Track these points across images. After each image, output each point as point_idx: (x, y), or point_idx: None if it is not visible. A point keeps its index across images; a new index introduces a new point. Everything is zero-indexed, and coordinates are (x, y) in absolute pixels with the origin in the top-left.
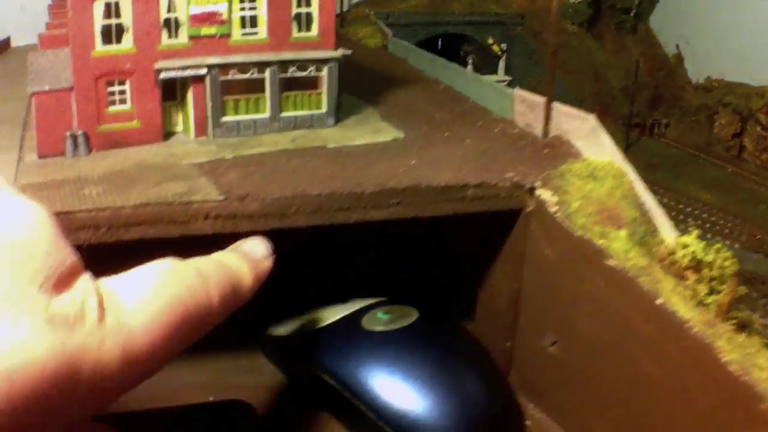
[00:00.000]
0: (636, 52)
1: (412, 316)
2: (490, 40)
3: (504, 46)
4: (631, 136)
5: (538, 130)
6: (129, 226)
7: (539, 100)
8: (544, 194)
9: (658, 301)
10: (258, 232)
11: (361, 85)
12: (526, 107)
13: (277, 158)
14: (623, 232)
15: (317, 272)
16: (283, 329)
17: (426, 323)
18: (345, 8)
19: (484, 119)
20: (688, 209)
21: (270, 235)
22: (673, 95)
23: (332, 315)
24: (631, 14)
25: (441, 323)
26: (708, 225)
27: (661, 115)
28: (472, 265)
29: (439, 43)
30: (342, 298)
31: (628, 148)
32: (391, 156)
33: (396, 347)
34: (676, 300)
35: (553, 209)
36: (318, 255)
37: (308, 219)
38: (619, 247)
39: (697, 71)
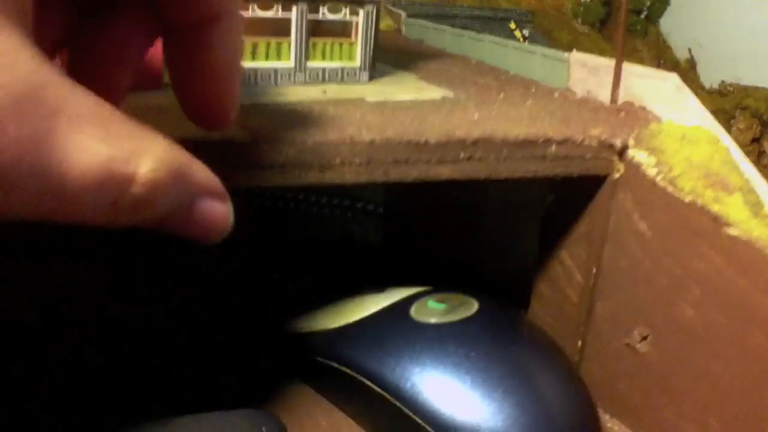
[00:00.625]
0: (647, 55)
1: (472, 306)
2: (513, 25)
3: (526, 32)
4: None
5: (603, 96)
6: None
7: (604, 62)
8: (639, 156)
9: None
10: (291, 188)
11: (384, 58)
12: (586, 72)
13: (308, 107)
14: (738, 198)
15: (337, 258)
16: (307, 324)
17: (490, 314)
18: None
19: (536, 87)
20: None
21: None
22: None
23: (370, 305)
24: (642, 16)
25: (507, 313)
26: None
27: None
28: (525, 250)
29: None
30: (377, 288)
31: None
32: (448, 111)
33: (458, 343)
34: None
35: (653, 172)
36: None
37: (356, 173)
38: (738, 213)
39: (710, 76)
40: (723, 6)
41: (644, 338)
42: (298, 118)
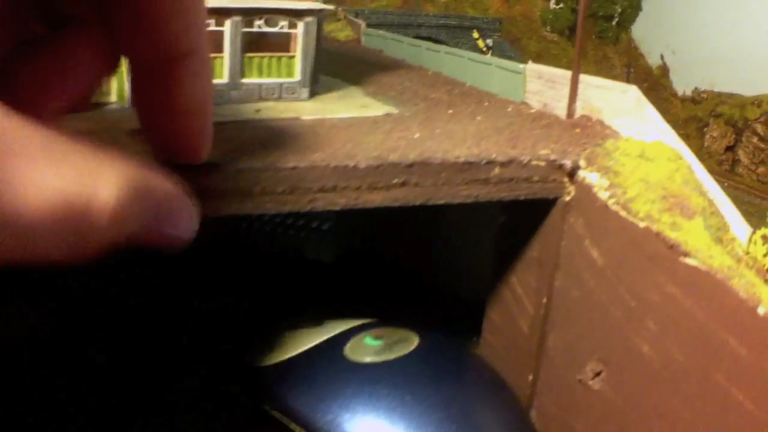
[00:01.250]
0: (618, 63)
1: (412, 341)
2: (475, 34)
3: (490, 42)
4: None
5: (559, 110)
6: None
7: (561, 73)
8: (590, 177)
9: (761, 311)
10: (206, 220)
11: (337, 70)
12: (542, 84)
13: (237, 128)
14: (699, 222)
15: (288, 283)
16: (250, 356)
17: (430, 351)
18: None
19: (490, 100)
20: None
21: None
22: (658, 108)
23: (306, 340)
24: (613, 22)
25: (449, 349)
26: None
27: None
28: (480, 273)
29: None
30: (318, 317)
31: None
32: (387, 130)
33: (391, 385)
34: None
35: (605, 195)
36: (288, 258)
37: (279, 202)
38: (698, 240)
39: (683, 82)
40: (696, 11)
41: (597, 374)
42: (221, 141)
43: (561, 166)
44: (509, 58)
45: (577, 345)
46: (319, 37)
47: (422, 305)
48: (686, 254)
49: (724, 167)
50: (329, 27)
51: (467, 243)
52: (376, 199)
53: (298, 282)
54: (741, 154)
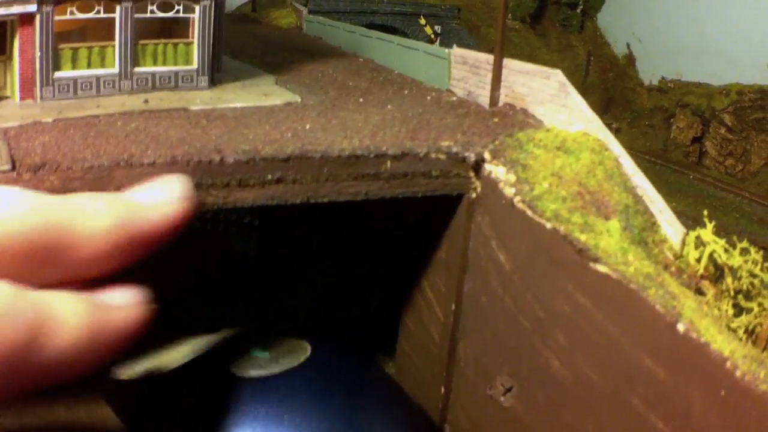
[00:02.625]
0: (583, 52)
1: (303, 351)
2: (422, 20)
3: (438, 28)
4: None
5: (483, 98)
6: None
7: (484, 57)
8: (496, 171)
9: (680, 328)
10: None
11: (262, 56)
12: (466, 70)
13: (112, 121)
14: (615, 224)
15: (176, 282)
16: (127, 370)
17: (323, 362)
18: None
19: (412, 88)
20: None
21: None
22: (623, 98)
23: (186, 351)
24: (578, 10)
25: (345, 361)
26: None
27: (612, 119)
28: (391, 275)
29: None
30: (206, 323)
31: None
32: (278, 120)
33: (279, 400)
34: (706, 325)
35: (511, 192)
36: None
37: None
38: (611, 244)
39: (650, 71)
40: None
41: (508, 390)
42: (90, 136)
43: (464, 159)
44: (467, 46)
45: (487, 356)
46: (220, 21)
47: (342, 300)
48: (596, 260)
49: (690, 159)
50: (274, 14)
51: (388, 239)
52: (248, 197)
53: (221, 277)
54: (708, 146)
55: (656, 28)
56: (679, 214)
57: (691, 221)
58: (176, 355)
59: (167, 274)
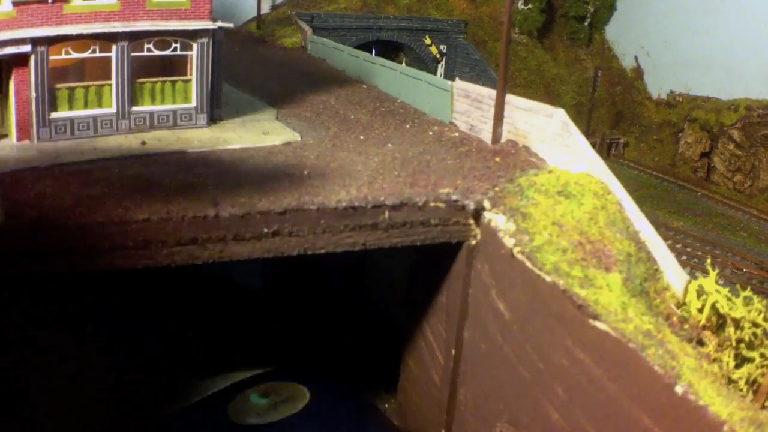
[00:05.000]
0: (591, 65)
1: (302, 398)
2: (428, 40)
3: (444, 48)
4: None
5: (485, 132)
6: None
7: (487, 92)
8: (496, 220)
9: (679, 389)
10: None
11: (265, 84)
12: (469, 104)
13: (109, 167)
14: (616, 277)
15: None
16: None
17: (321, 409)
18: (265, 10)
19: (414, 121)
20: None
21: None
22: (631, 111)
23: (186, 395)
24: (586, 23)
25: (344, 408)
26: (684, 257)
27: (620, 133)
28: (399, 323)
29: (374, 52)
30: (206, 367)
31: None
32: (276, 164)
33: None
34: (705, 386)
35: (510, 242)
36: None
37: (132, 258)
38: (611, 300)
39: (658, 85)
40: (672, 13)
41: None
42: (78, 186)
43: (463, 207)
44: (474, 61)
45: (487, 403)
46: (219, 57)
47: (346, 337)
48: (596, 316)
49: (699, 174)
50: (279, 32)
51: (388, 280)
52: (243, 251)
53: (224, 309)
54: (716, 161)
55: (664, 41)
56: (687, 235)
57: (698, 242)
58: (177, 399)
59: (168, 316)
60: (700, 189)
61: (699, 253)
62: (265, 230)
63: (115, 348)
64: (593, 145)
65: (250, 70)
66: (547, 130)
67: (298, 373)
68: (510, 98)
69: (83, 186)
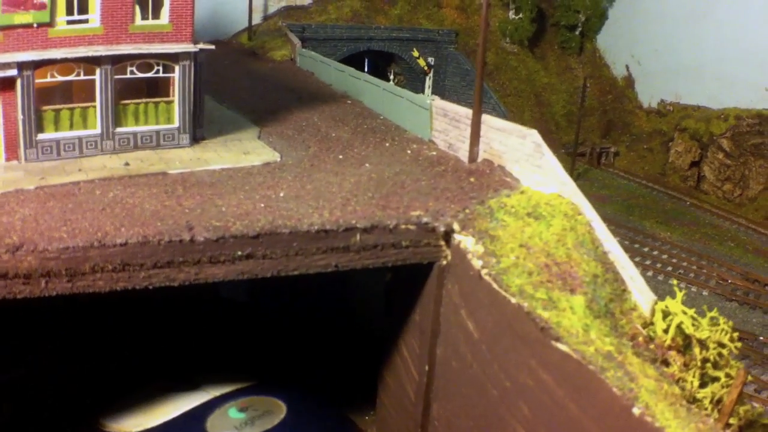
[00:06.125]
0: (582, 74)
1: (278, 412)
2: (415, 53)
3: (432, 60)
4: (576, 166)
5: (462, 151)
6: None
7: (464, 111)
8: (465, 242)
9: (636, 411)
10: (44, 299)
11: (250, 99)
12: (447, 123)
13: (92, 189)
14: (580, 299)
15: (151, 340)
16: (110, 425)
17: (298, 422)
18: (256, 21)
19: (394, 139)
20: (645, 249)
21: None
22: (622, 120)
23: (165, 410)
24: (577, 32)
25: (319, 422)
26: (670, 268)
27: (610, 142)
28: (370, 335)
29: (366, 62)
30: (193, 382)
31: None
32: (254, 186)
33: None
34: (663, 409)
35: (478, 264)
36: (153, 315)
37: (112, 280)
38: (574, 322)
39: (649, 94)
40: (663, 21)
41: None
42: (69, 208)
43: (434, 230)
44: (464, 71)
45: (459, 420)
46: (200, 78)
47: (328, 349)
48: (558, 339)
49: (688, 183)
50: (270, 44)
51: (367, 295)
52: (218, 272)
53: (210, 321)
54: (706, 170)
55: (655, 50)
56: (673, 245)
57: (684, 253)
58: (156, 413)
59: (146, 329)
60: (690, 198)
61: (684, 264)
62: (239, 253)
63: (87, 363)
64: (582, 155)
65: (237, 84)
66: (520, 151)
67: (275, 387)
68: (486, 118)
69: (65, 209)
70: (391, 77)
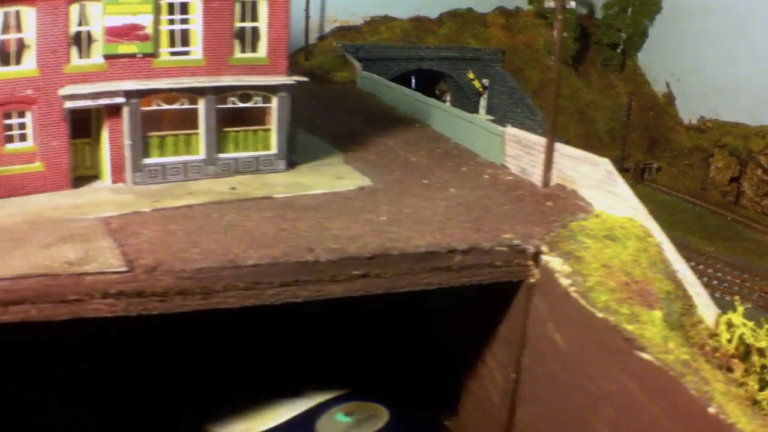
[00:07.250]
0: (623, 91)
1: (381, 417)
2: (471, 75)
3: (486, 81)
4: None
5: (536, 176)
6: (6, 305)
7: (537, 140)
8: (553, 262)
9: (711, 410)
10: (175, 315)
11: (324, 124)
12: (520, 149)
13: (208, 212)
14: (658, 314)
15: (262, 352)
16: (215, 429)
17: (401, 427)
18: (311, 41)
19: (469, 163)
20: (691, 264)
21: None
22: (663, 137)
23: (277, 414)
24: (618, 50)
25: (419, 426)
26: (715, 282)
27: (652, 158)
28: (458, 347)
29: (413, 80)
30: (293, 389)
31: None
32: (356, 210)
33: None
34: (733, 408)
35: (566, 282)
36: (264, 330)
37: (242, 297)
38: (654, 334)
39: (689, 110)
40: (703, 39)
41: None
42: (190, 230)
43: (524, 251)
44: (511, 89)
45: (544, 422)
46: (295, 108)
47: (409, 360)
48: (642, 348)
49: (728, 198)
50: (328, 66)
51: (452, 308)
52: (337, 290)
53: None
54: (745, 186)
55: (695, 67)
56: (717, 260)
57: (728, 267)
58: (266, 418)
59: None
60: (730, 213)
61: (728, 278)
62: (355, 273)
63: (187, 377)
64: (627, 170)
65: (308, 108)
66: (592, 177)
67: (373, 393)
68: (558, 146)
69: (189, 232)
70: (447, 98)
